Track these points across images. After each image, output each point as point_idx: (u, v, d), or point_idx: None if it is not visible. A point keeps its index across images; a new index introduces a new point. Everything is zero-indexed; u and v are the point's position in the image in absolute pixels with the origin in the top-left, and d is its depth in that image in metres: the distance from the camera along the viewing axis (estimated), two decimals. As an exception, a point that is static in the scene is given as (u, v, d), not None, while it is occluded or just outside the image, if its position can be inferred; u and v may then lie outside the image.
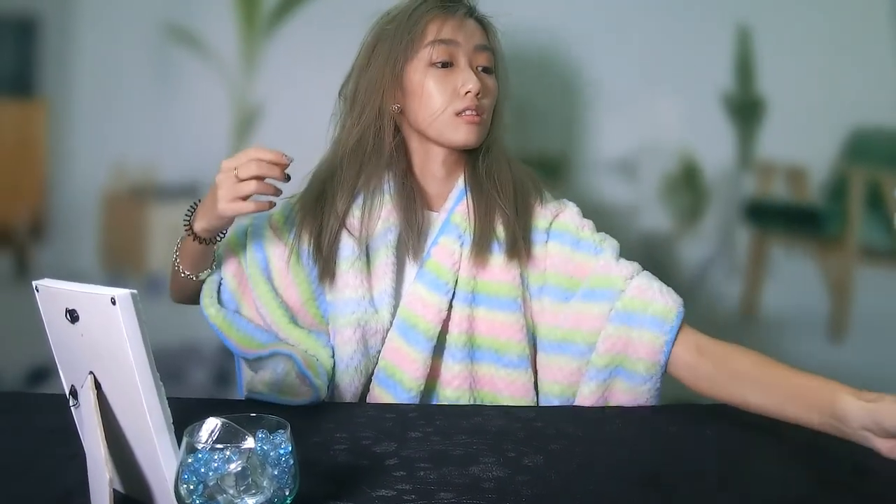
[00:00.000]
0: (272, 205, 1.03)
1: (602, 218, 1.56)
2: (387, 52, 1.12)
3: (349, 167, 1.13)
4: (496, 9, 1.21)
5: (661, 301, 1.06)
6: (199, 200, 1.08)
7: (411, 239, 1.13)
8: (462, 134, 1.11)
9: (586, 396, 1.08)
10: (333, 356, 1.12)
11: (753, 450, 0.91)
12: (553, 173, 1.57)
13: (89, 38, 1.54)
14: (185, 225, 1.08)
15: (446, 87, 1.10)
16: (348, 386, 1.11)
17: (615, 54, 1.55)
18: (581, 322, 1.09)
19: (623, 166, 1.58)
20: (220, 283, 1.15)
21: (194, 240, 1.07)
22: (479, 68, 1.13)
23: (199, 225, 1.06)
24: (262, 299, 1.13)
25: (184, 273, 1.12)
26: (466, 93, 1.09)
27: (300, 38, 1.53)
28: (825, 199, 1.60)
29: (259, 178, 0.99)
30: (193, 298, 1.16)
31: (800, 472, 0.84)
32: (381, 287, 1.12)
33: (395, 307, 1.12)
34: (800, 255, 1.62)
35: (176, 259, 1.12)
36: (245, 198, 1.00)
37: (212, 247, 1.10)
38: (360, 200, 1.14)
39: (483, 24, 1.17)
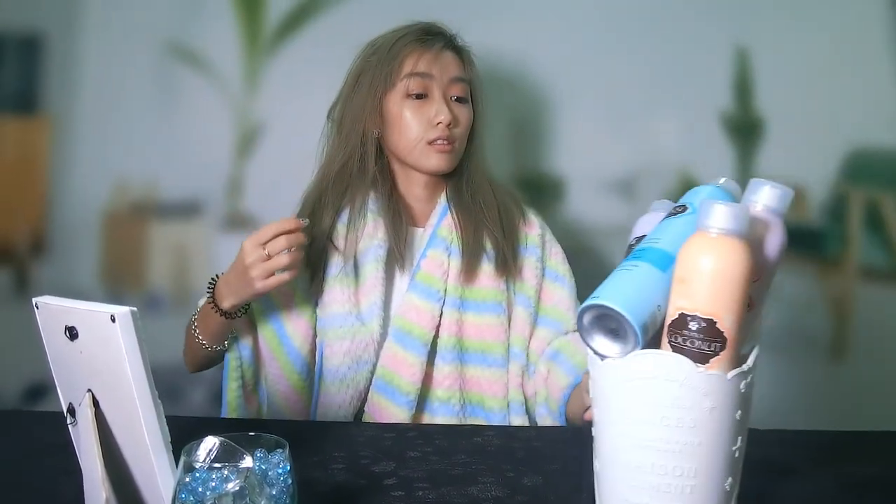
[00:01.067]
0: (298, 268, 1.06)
1: (600, 238, 1.57)
2: (369, 82, 1.19)
3: (335, 188, 1.19)
4: (484, 36, 1.25)
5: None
6: (218, 276, 1.10)
7: (401, 252, 1.18)
8: (434, 161, 1.18)
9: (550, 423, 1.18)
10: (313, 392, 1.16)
11: (756, 466, 0.91)
12: (552, 193, 1.57)
13: (93, 55, 1.55)
14: (209, 301, 1.09)
15: (421, 117, 1.17)
16: (334, 397, 1.14)
17: (614, 74, 1.56)
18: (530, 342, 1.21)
19: (622, 186, 1.58)
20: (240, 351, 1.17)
21: (222, 316, 1.09)
22: (453, 98, 1.20)
23: (229, 303, 1.08)
24: (269, 345, 1.16)
25: (210, 348, 1.13)
26: (438, 123, 1.16)
27: (302, 57, 1.55)
28: (824, 219, 1.61)
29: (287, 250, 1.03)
30: (212, 365, 1.19)
31: (810, 485, 0.84)
32: (370, 300, 1.16)
33: (385, 318, 1.16)
34: (800, 274, 1.62)
35: (195, 331, 1.13)
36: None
37: (235, 320, 1.11)
38: (344, 217, 1.19)
39: (461, 55, 1.23)
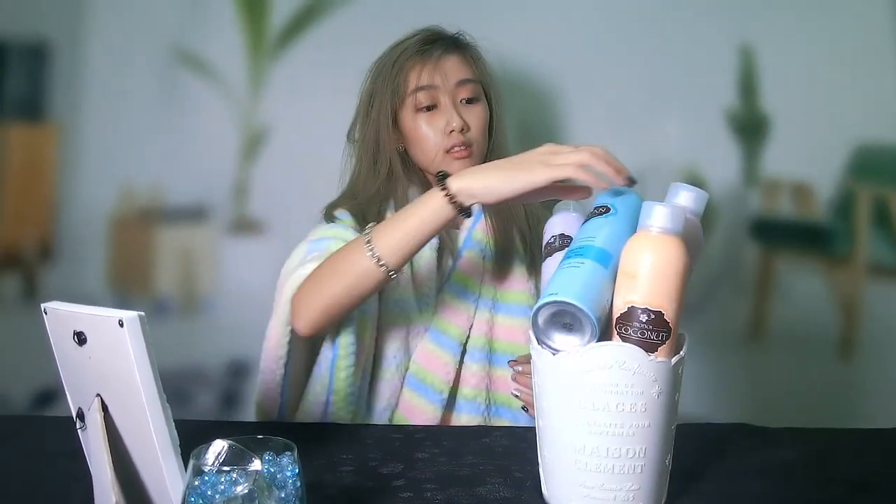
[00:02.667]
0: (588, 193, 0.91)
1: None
2: (379, 104, 1.19)
3: (370, 208, 1.19)
4: (487, 38, 1.24)
5: None
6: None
7: (448, 244, 1.19)
8: (456, 169, 1.15)
9: None
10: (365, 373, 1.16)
11: (764, 464, 0.91)
12: (558, 192, 1.57)
13: (99, 62, 1.56)
14: (441, 188, 0.93)
15: (435, 128, 1.18)
16: (388, 384, 1.16)
17: (618, 74, 1.56)
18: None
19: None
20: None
21: (453, 206, 0.93)
22: (463, 101, 1.19)
23: (467, 182, 0.92)
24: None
25: (393, 272, 0.97)
26: (451, 132, 1.16)
27: (306, 61, 1.55)
28: (832, 215, 1.60)
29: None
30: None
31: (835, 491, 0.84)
32: (426, 288, 1.17)
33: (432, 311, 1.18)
34: (807, 272, 1.62)
35: (371, 249, 0.96)
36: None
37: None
38: (390, 212, 1.19)
39: (466, 53, 1.22)
